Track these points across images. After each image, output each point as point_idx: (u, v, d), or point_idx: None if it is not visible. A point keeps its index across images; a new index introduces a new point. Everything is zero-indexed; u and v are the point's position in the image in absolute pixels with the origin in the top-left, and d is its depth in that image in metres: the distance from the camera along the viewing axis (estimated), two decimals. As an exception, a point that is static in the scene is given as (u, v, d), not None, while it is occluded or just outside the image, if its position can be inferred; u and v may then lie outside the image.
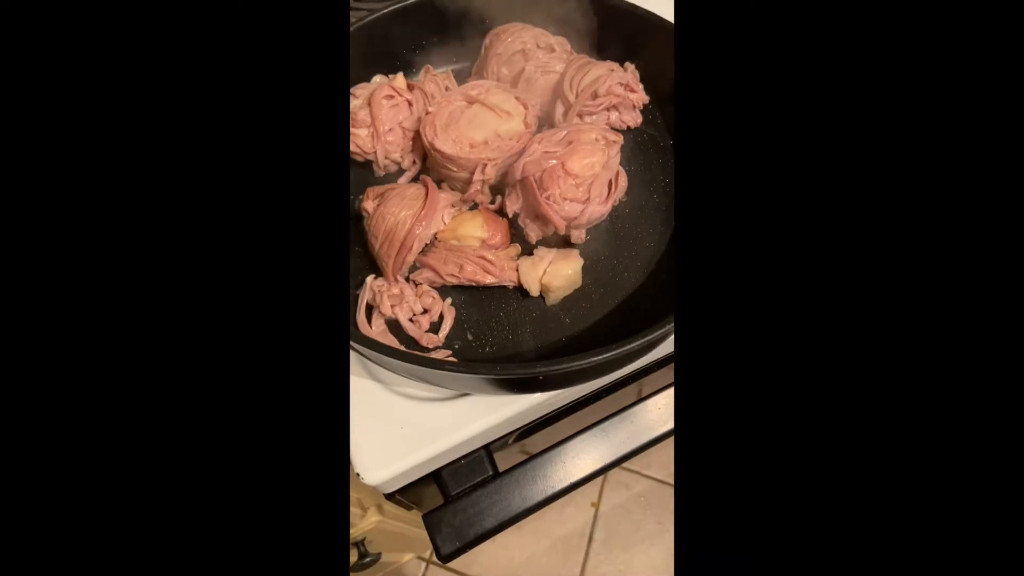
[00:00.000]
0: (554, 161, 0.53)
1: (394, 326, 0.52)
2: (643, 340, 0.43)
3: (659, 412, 0.57)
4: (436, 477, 0.53)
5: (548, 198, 0.52)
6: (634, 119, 0.63)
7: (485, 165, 0.54)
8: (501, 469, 0.55)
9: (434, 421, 0.50)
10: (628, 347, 0.43)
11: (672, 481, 1.40)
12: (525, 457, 0.55)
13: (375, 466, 0.48)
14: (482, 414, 0.51)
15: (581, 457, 0.56)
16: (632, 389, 0.67)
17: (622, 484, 1.44)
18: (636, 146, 0.64)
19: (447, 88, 0.64)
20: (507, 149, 0.55)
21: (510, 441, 0.60)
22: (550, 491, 0.54)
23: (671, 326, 0.45)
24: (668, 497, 1.38)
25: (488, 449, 0.55)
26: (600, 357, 0.42)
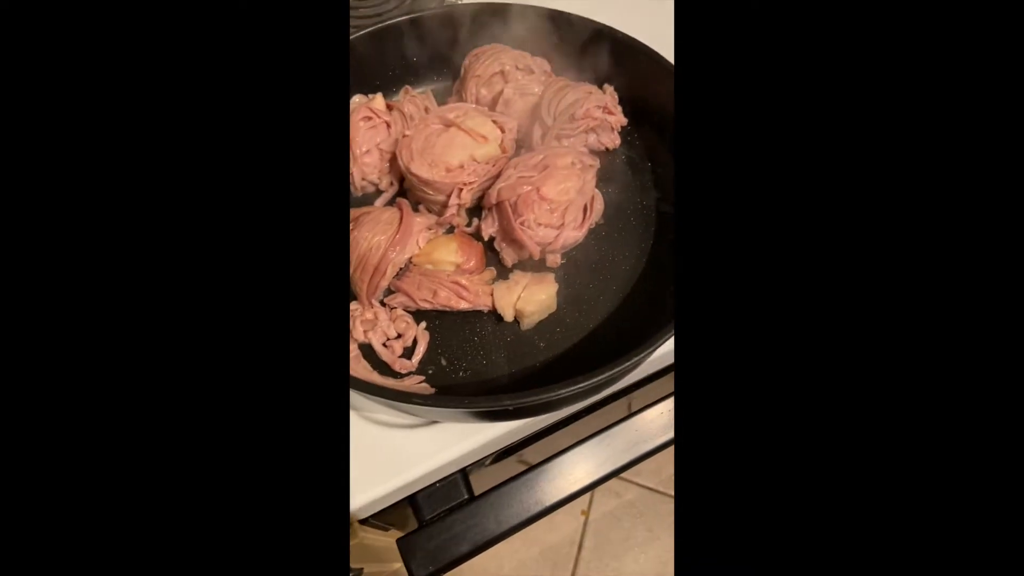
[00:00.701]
0: (529, 187, 0.53)
1: (367, 350, 0.52)
2: (613, 371, 0.44)
3: (645, 428, 0.57)
4: (411, 501, 0.54)
5: (523, 223, 0.52)
6: (612, 141, 0.64)
7: (461, 189, 0.54)
8: (478, 491, 0.55)
9: (408, 447, 0.50)
10: (597, 379, 0.43)
11: (663, 489, 1.41)
12: (522, 468, 0.55)
13: (351, 493, 0.48)
14: (456, 440, 0.51)
15: (559, 479, 0.55)
16: (622, 403, 0.67)
17: (612, 492, 1.44)
18: (614, 168, 0.64)
19: (426, 109, 0.64)
20: (483, 173, 0.55)
21: (487, 463, 0.61)
22: (526, 515, 0.54)
23: (646, 352, 0.45)
24: (658, 505, 1.38)
25: (464, 472, 0.55)
26: (568, 389, 0.42)
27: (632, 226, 0.60)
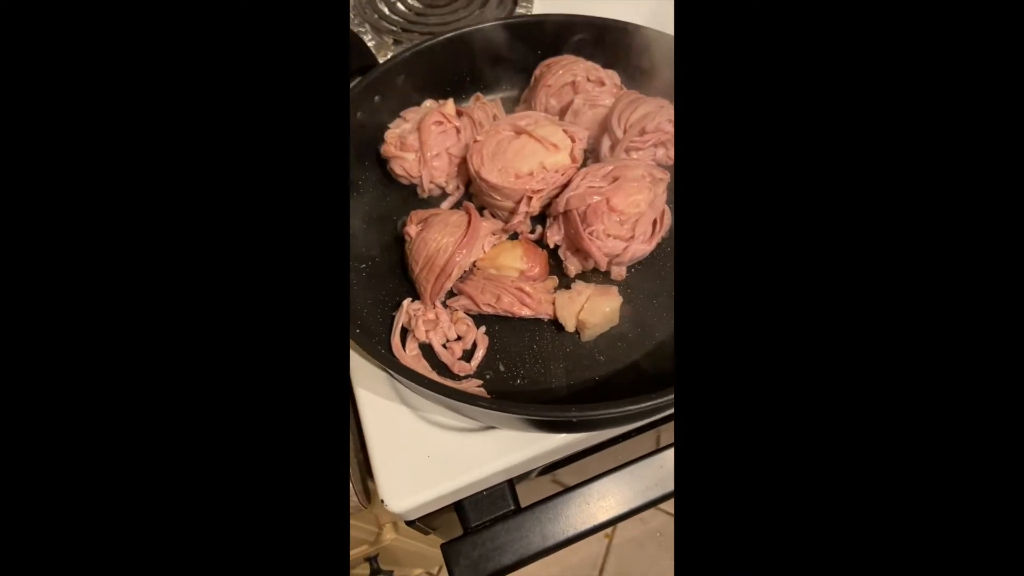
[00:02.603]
0: (599, 197, 0.52)
1: (427, 351, 0.52)
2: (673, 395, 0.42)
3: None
4: (457, 507, 0.53)
5: (591, 233, 0.52)
6: (681, 156, 0.63)
7: (531, 197, 0.54)
8: (523, 503, 0.54)
9: (460, 452, 0.49)
10: (659, 400, 0.42)
11: (692, 520, 1.36)
12: (556, 488, 0.54)
13: (399, 493, 0.48)
14: (508, 449, 0.50)
15: (606, 499, 0.54)
16: (652, 435, 0.65)
17: (637, 518, 1.40)
18: (681, 184, 0.63)
19: (495, 116, 0.64)
20: (552, 181, 0.55)
21: (533, 475, 0.59)
22: (571, 532, 0.53)
23: None
24: (687, 537, 1.34)
25: (511, 483, 0.54)
26: (634, 407, 0.41)
27: (698, 244, 0.59)
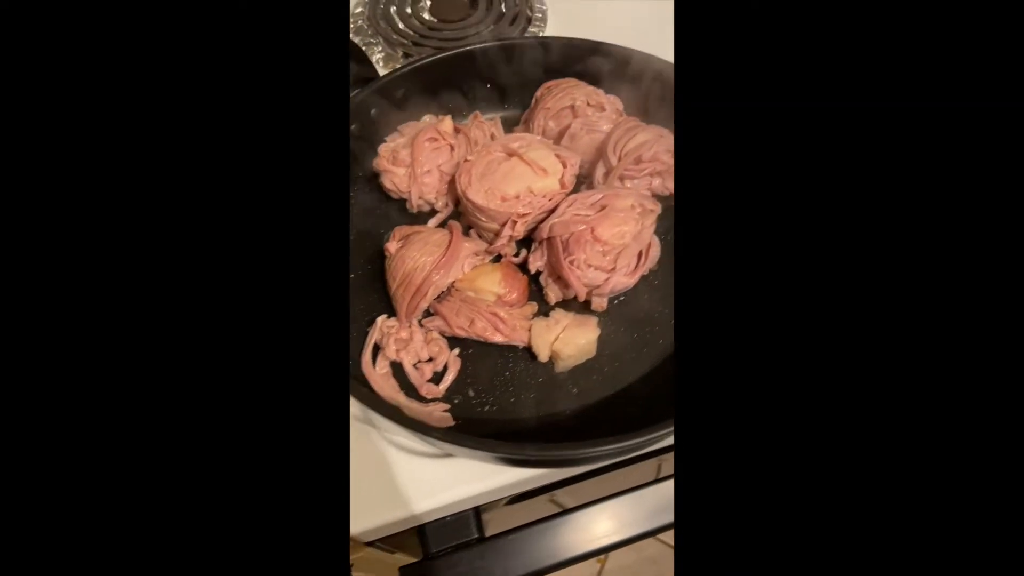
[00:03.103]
0: (583, 226, 0.51)
1: (398, 369, 0.52)
2: (642, 438, 0.41)
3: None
4: (419, 531, 0.52)
5: (572, 263, 0.51)
6: (678, 187, 0.61)
7: (515, 221, 0.53)
8: (493, 531, 0.53)
9: (424, 476, 0.49)
10: (624, 443, 0.40)
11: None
12: (554, 509, 0.52)
13: (359, 514, 0.47)
14: (474, 477, 0.49)
15: (579, 533, 0.52)
16: (653, 463, 0.63)
17: (632, 545, 1.36)
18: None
19: (493, 136, 0.64)
20: (539, 206, 0.54)
21: (503, 503, 0.58)
22: (534, 566, 0.51)
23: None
24: (680, 570, 1.29)
25: (478, 511, 0.53)
26: (594, 450, 0.39)
27: (687, 279, 0.57)
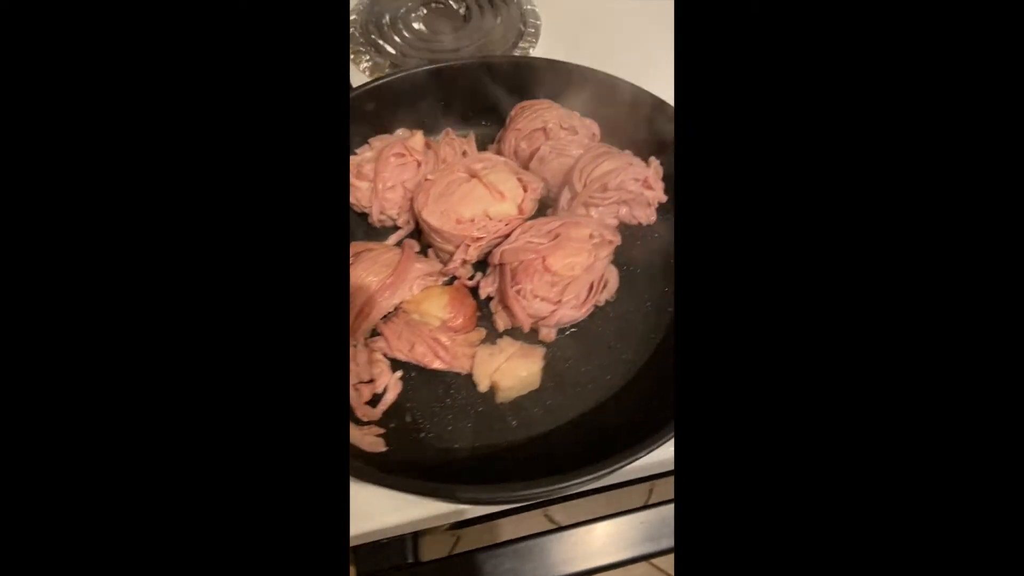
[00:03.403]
0: (534, 254, 0.50)
1: (340, 388, 0.51)
2: (573, 480, 0.40)
3: (605, 541, 0.52)
4: (353, 550, 0.51)
5: (519, 292, 0.49)
6: (647, 216, 0.59)
7: (469, 245, 0.53)
8: (426, 558, 0.52)
9: (360, 498, 0.48)
10: (554, 486, 0.39)
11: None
12: (547, 525, 0.50)
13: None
14: (409, 504, 0.48)
15: (521, 563, 0.51)
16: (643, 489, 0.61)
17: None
18: (642, 245, 0.60)
19: (464, 153, 0.63)
20: (494, 231, 0.53)
21: (441, 530, 0.57)
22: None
23: (617, 466, 0.41)
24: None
25: (416, 535, 0.52)
26: (517, 494, 0.39)
27: (646, 313, 0.55)
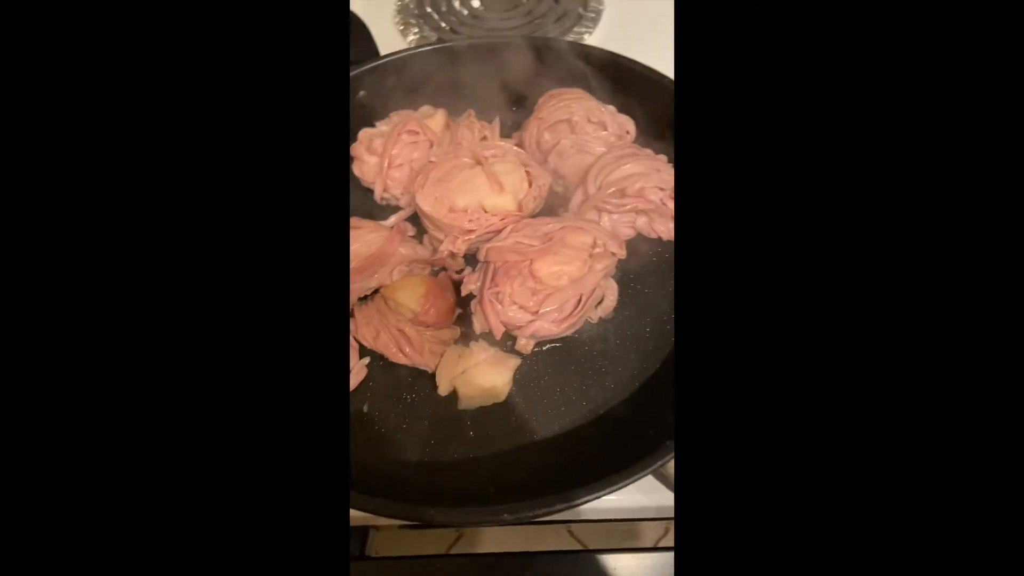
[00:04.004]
0: (520, 256, 0.45)
1: (307, 365, 0.50)
2: (517, 514, 0.36)
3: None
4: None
5: (496, 295, 0.45)
6: (668, 231, 0.53)
7: (458, 237, 0.49)
8: (375, 554, 0.50)
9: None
10: (492, 516, 0.36)
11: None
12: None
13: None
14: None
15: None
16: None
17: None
18: (657, 262, 0.53)
19: (485, 138, 0.59)
20: (486, 224, 0.49)
21: (396, 527, 0.55)
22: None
23: (563, 506, 0.37)
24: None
25: (365, 529, 0.50)
26: (452, 519, 0.36)
27: (644, 339, 0.49)
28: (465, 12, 0.80)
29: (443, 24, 0.78)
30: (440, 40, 0.75)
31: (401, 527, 0.56)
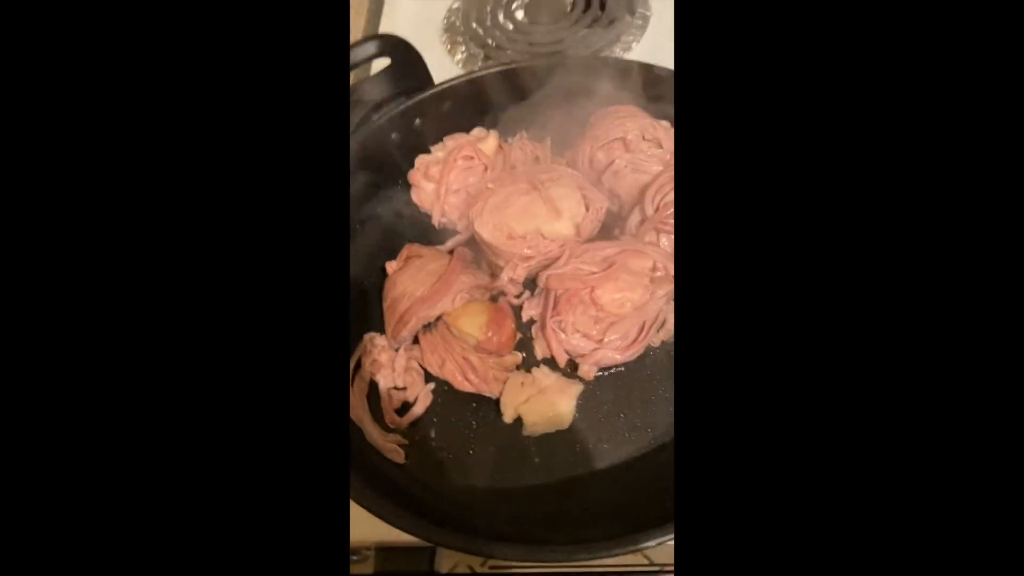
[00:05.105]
0: (581, 284, 0.45)
1: (375, 389, 0.51)
2: (580, 555, 0.36)
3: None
4: (377, 547, 0.52)
5: (559, 324, 0.46)
6: (730, 250, 0.52)
7: (517, 264, 0.49)
8: (444, 570, 0.51)
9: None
10: (558, 559, 0.36)
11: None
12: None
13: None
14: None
15: None
16: None
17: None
18: (719, 283, 0.52)
19: (537, 159, 0.60)
20: (545, 250, 0.49)
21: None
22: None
23: (632, 548, 0.37)
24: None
25: (434, 548, 0.51)
26: (519, 563, 0.36)
27: (708, 362, 0.48)
28: (510, 27, 0.80)
29: (489, 40, 0.78)
30: (487, 58, 0.75)
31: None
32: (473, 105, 0.63)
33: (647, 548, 0.37)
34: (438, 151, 0.60)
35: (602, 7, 0.78)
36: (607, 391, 0.48)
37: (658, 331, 0.48)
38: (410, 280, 0.50)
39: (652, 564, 0.49)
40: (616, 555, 0.38)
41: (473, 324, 0.48)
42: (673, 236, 0.51)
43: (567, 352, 0.46)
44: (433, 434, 0.49)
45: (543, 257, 0.49)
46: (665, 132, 0.55)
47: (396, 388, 0.51)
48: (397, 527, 0.40)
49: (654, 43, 0.75)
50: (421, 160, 0.60)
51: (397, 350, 0.51)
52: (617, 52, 0.75)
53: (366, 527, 0.44)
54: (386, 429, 0.49)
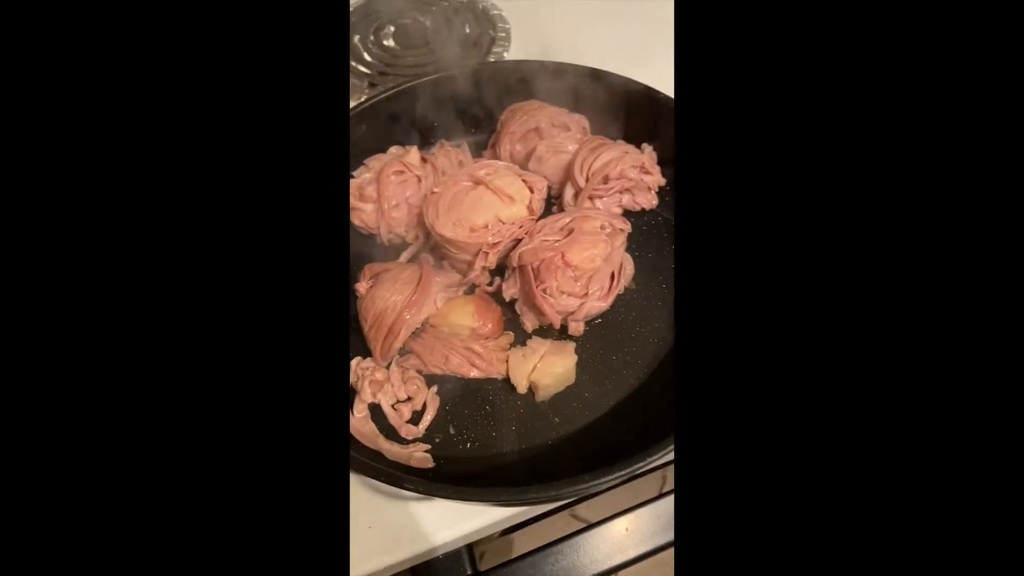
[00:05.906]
0: (552, 252, 0.51)
1: (376, 411, 0.51)
2: (622, 472, 0.40)
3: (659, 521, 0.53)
4: (412, 571, 0.51)
5: (545, 290, 0.50)
6: (649, 201, 0.61)
7: (487, 252, 0.53)
8: (484, 567, 0.52)
9: (405, 521, 0.47)
10: (605, 479, 0.39)
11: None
12: (576, 524, 0.50)
13: (353, 561, 0.46)
14: (459, 517, 0.48)
15: (579, 556, 0.51)
16: (656, 477, 0.62)
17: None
18: (649, 230, 0.61)
19: (460, 163, 0.63)
20: (509, 234, 0.53)
21: (495, 537, 0.57)
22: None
23: (663, 452, 0.42)
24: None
25: (470, 546, 0.52)
26: (572, 488, 0.39)
27: (664, 292, 0.56)
28: (382, 53, 0.83)
29: (366, 71, 0.80)
30: (372, 85, 0.78)
31: (501, 535, 0.59)
32: (386, 124, 0.65)
33: (664, 456, 0.42)
34: (363, 173, 0.61)
35: (463, 25, 0.85)
36: (596, 341, 0.53)
37: (621, 279, 0.54)
38: (389, 292, 0.51)
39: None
40: (645, 467, 0.42)
41: (464, 315, 0.50)
42: (604, 198, 0.59)
43: (559, 312, 0.50)
44: (452, 430, 0.50)
45: (507, 240, 0.53)
46: (569, 116, 0.63)
47: (400, 401, 0.50)
48: (461, 499, 0.41)
49: (521, 50, 0.84)
50: (352, 184, 0.60)
51: (388, 366, 0.51)
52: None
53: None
54: (404, 443, 0.49)
